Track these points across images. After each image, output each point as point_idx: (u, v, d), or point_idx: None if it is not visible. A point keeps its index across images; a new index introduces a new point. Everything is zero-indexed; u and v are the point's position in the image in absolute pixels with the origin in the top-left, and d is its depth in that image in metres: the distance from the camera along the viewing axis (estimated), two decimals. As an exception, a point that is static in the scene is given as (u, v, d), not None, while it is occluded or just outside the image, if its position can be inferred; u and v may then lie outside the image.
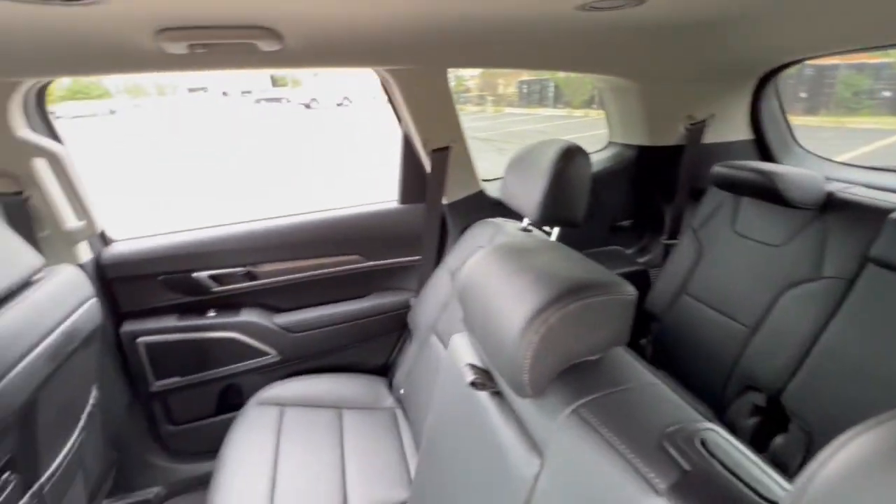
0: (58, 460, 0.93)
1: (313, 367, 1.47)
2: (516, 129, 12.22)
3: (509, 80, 17.95)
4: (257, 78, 27.30)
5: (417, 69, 1.20)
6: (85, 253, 1.18)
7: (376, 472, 1.13)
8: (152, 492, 1.39)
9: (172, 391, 1.38)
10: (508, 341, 0.50)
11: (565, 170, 0.95)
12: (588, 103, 14.99)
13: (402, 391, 1.35)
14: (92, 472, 1.11)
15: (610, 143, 1.78)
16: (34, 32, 0.77)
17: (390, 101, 1.34)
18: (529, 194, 1.00)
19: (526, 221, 1.16)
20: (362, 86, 23.99)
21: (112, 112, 19.95)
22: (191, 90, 29.00)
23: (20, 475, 0.83)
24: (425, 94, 1.26)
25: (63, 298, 0.89)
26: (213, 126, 16.20)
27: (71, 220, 1.12)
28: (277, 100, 24.99)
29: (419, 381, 1.27)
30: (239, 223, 1.39)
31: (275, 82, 26.71)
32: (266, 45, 0.89)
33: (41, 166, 1.04)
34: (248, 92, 27.22)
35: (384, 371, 1.54)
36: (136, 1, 0.67)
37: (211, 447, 1.47)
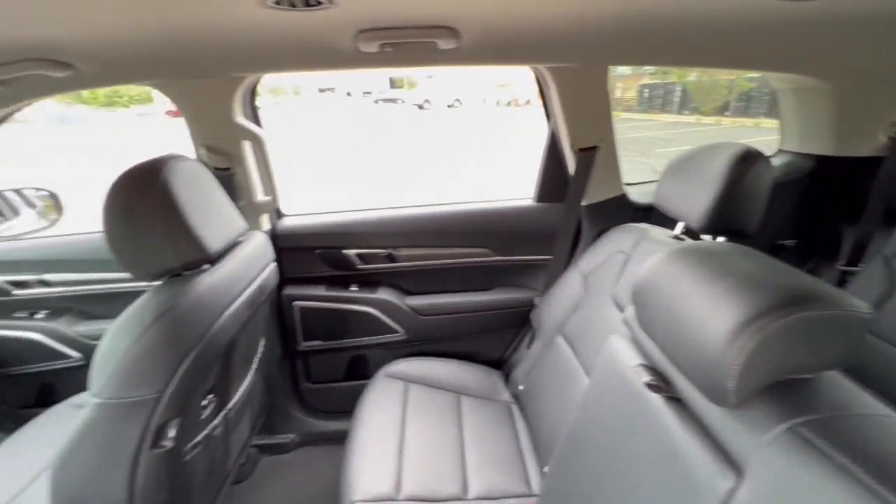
0: (239, 394, 1.11)
1: (433, 350, 1.55)
2: (634, 135, 11.43)
3: (629, 84, 16.87)
4: (377, 80, 29.39)
5: (578, 67, 1.20)
6: (266, 223, 1.39)
7: (494, 462, 1.15)
8: (288, 437, 1.59)
9: (314, 352, 1.55)
10: (711, 345, 0.47)
11: (743, 175, 0.87)
12: (720, 110, 13.45)
13: (520, 387, 1.35)
14: (255, 409, 1.30)
15: (780, 152, 1.58)
16: (261, 35, 0.92)
17: (543, 98, 1.35)
18: (694, 200, 0.94)
19: (679, 229, 1.09)
20: (471, 88, 24.50)
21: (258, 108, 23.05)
22: (321, 90, 32.25)
23: (218, 399, 1.01)
24: (581, 91, 1.25)
25: (258, 258, 1.06)
26: (339, 122, 17.89)
27: (260, 195, 1.33)
28: (394, 100, 26.63)
29: (540, 380, 1.26)
30: (385, 209, 1.51)
31: (393, 84, 28.50)
32: (444, 44, 0.96)
33: (246, 147, 1.25)
34: (369, 93, 29.43)
35: (499, 364, 1.55)
36: (350, 6, 0.76)
37: (338, 408, 1.63)
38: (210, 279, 0.86)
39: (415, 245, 1.49)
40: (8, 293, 1.43)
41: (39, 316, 1.47)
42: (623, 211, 1.38)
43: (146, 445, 0.79)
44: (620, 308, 1.06)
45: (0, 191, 1.56)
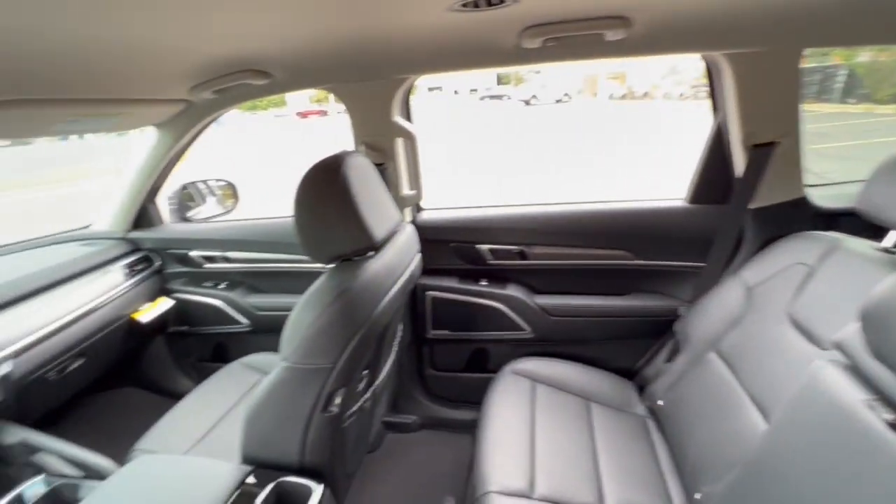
0: (383, 373, 1.20)
1: (559, 351, 1.50)
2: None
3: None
4: (484, 77, 29.62)
5: (765, 51, 1.05)
6: (408, 216, 1.48)
7: (631, 477, 1.08)
8: (410, 418, 1.68)
9: (440, 341, 1.62)
10: None
11: None
12: (905, 97, 10.92)
13: (659, 402, 1.25)
14: (390, 388, 1.40)
15: None
16: (431, 38, 0.97)
17: (712, 88, 1.22)
18: None
19: (891, 240, 0.90)
20: (577, 82, 23.45)
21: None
22: (429, 89, 33.52)
23: (370, 375, 1.10)
24: (765, 80, 1.10)
25: (409, 248, 1.13)
26: (450, 119, 18.44)
27: (407, 189, 1.42)
28: (499, 97, 26.61)
29: (686, 398, 1.16)
30: (520, 205, 1.51)
31: (499, 80, 28.48)
32: (613, 35, 0.91)
33: (399, 144, 1.34)
34: (475, 90, 29.82)
35: (629, 374, 1.46)
36: (528, 2, 0.76)
37: (458, 397, 1.68)
38: (375, 265, 0.94)
39: (548, 244, 1.46)
40: (201, 265, 1.74)
41: (221, 286, 1.76)
42: (802, 216, 1.19)
43: (318, 408, 0.89)
44: (801, 329, 0.92)
45: (193, 182, 1.89)
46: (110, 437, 1.31)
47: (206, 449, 1.17)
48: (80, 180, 10.68)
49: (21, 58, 0.72)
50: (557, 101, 22.53)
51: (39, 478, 1.14)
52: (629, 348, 1.50)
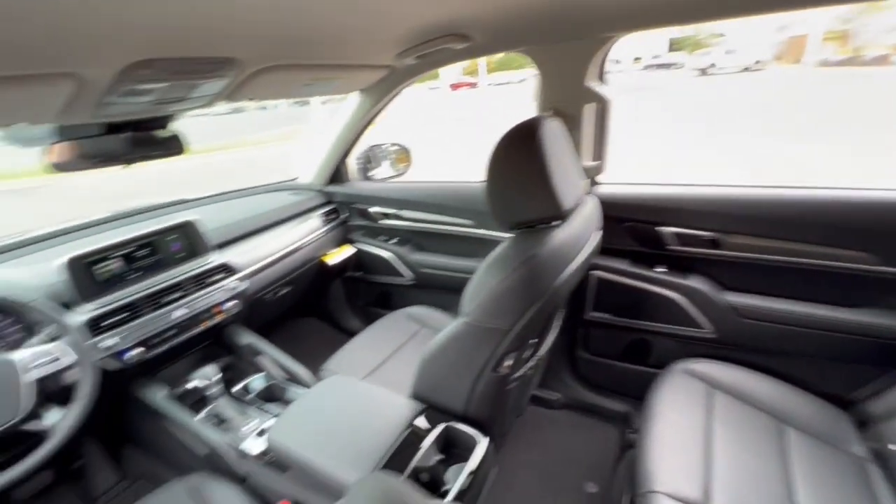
0: (547, 345, 1.19)
1: (745, 359, 1.29)
2: None
3: None
4: (651, 43, 26.33)
5: None
6: (586, 188, 1.40)
7: (842, 526, 0.89)
8: (554, 395, 1.66)
9: (597, 324, 1.53)
10: None
11: None
12: None
13: (893, 447, 0.99)
14: (545, 363, 1.38)
15: None
16: None
17: None
18: None
19: None
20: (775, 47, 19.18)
21: (522, 81, 24.26)
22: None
23: (536, 345, 1.10)
24: None
25: (592, 221, 1.06)
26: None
27: (590, 159, 1.34)
28: (668, 65, 23.46)
29: None
30: (718, 186, 1.30)
31: (671, 46, 25.00)
32: None
33: (588, 111, 1.26)
34: (639, 58, 26.75)
35: (841, 402, 1.18)
36: None
37: (608, 385, 1.59)
38: (561, 235, 0.90)
39: (751, 233, 1.23)
40: (377, 220, 1.94)
41: (392, 242, 1.94)
42: None
43: (489, 366, 0.91)
44: None
45: (375, 145, 2.08)
46: (301, 355, 1.57)
47: (377, 379, 1.33)
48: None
49: (280, 26, 0.84)
50: (745, 70, 18.87)
51: (261, 374, 1.44)
52: (846, 372, 1.21)
